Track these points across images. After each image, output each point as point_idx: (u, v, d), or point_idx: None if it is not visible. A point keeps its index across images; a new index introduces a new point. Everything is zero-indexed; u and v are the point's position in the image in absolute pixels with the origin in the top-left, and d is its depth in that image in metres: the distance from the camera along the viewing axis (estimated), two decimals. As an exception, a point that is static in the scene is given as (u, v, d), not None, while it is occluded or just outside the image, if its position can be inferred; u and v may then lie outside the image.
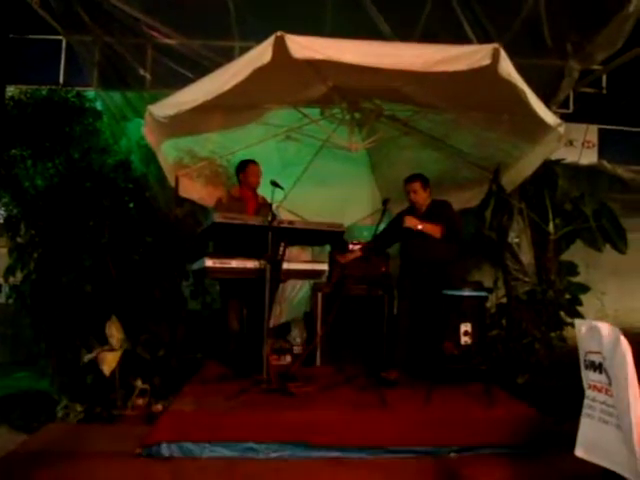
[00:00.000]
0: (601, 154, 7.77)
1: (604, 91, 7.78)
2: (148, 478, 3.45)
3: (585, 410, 2.62)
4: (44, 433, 4.22)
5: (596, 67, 6.17)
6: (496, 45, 3.84)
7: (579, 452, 2.62)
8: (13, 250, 4.89)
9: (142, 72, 5.82)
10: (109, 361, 4.42)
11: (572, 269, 5.84)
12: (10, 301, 4.95)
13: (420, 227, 4.92)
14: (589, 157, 7.14)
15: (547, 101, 5.08)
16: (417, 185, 5.13)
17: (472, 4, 5.34)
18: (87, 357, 4.45)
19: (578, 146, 6.71)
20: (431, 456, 3.80)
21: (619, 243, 5.79)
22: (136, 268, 4.87)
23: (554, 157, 5.54)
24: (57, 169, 5.09)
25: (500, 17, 5.40)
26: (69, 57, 7.13)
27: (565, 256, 5.89)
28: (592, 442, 2.55)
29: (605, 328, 2.50)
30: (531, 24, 5.37)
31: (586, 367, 2.65)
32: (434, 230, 4.91)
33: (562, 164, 5.85)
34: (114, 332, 4.53)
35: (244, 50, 4.21)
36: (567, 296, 5.72)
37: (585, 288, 5.81)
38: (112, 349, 4.49)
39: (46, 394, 4.87)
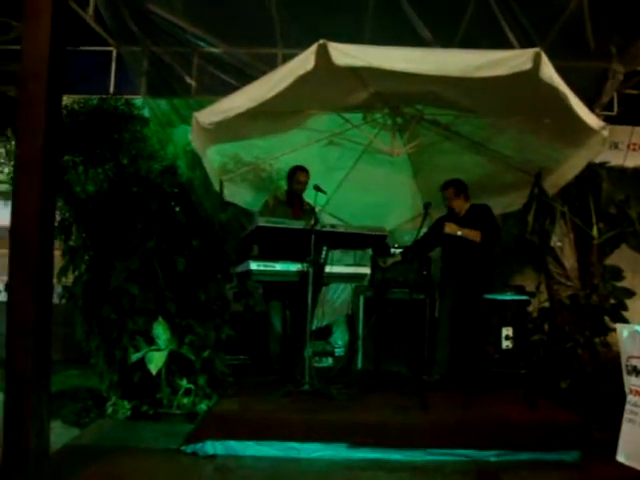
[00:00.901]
0: (647, 156, 7.62)
1: (650, 93, 7.63)
2: (193, 474, 3.54)
3: (627, 415, 2.61)
4: (94, 428, 4.38)
5: (641, 68, 6.07)
6: (537, 49, 3.84)
7: (621, 458, 2.61)
8: (66, 252, 5.06)
9: (188, 80, 5.98)
10: (156, 360, 4.53)
11: (617, 274, 5.75)
12: (63, 301, 5.12)
13: (460, 233, 4.93)
14: (635, 160, 6.98)
15: (590, 104, 5.04)
16: (450, 192, 5.16)
17: (513, 8, 5.31)
18: (135, 356, 4.58)
19: (623, 149, 6.60)
20: (470, 459, 3.80)
21: (665, 247, 5.68)
22: (182, 271, 4.97)
23: (598, 160, 5.48)
24: (107, 175, 5.25)
25: (542, 20, 5.38)
26: (119, 67, 7.35)
27: (610, 260, 5.81)
28: (634, 448, 2.55)
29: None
30: (574, 27, 5.32)
31: (628, 372, 2.64)
32: (474, 235, 4.91)
33: (606, 167, 5.78)
34: (161, 333, 4.64)
35: (287, 57, 4.31)
36: (612, 301, 5.64)
37: (630, 293, 5.71)
38: (159, 349, 4.60)
39: (96, 391, 5.03)
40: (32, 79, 2.92)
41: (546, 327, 5.69)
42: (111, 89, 7.32)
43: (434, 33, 5.39)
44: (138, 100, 5.87)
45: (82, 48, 7.19)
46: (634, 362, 2.57)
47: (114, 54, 7.40)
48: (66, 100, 5.11)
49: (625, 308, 5.62)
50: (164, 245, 4.99)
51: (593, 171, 5.56)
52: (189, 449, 3.84)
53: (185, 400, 4.71)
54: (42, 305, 3.01)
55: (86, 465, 3.52)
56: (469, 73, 3.91)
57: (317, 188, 4.79)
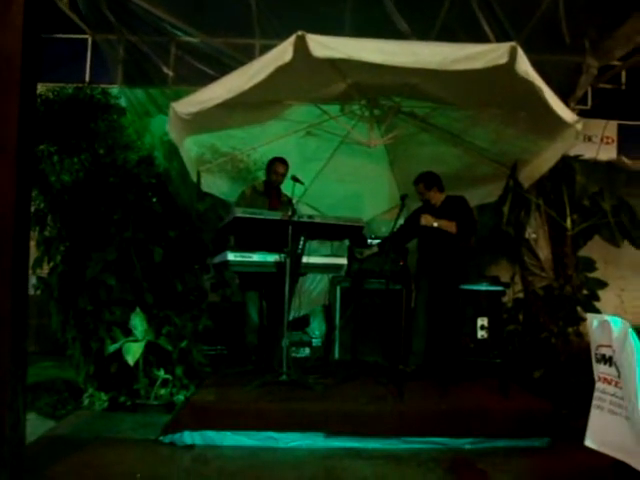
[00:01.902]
0: (620, 150, 7.73)
1: (623, 87, 7.72)
2: (171, 464, 3.55)
3: (595, 402, 2.68)
4: (71, 420, 4.37)
5: (615, 63, 6.16)
6: (513, 43, 3.88)
7: (589, 442, 2.68)
8: (40, 243, 5.01)
9: (165, 70, 5.93)
10: (133, 351, 4.52)
11: (590, 265, 5.84)
12: (38, 292, 5.08)
13: (435, 224, 4.97)
14: (608, 153, 7.11)
15: (565, 98, 5.11)
16: (420, 187, 5.23)
17: (490, 1, 5.36)
18: (112, 347, 4.56)
19: (597, 142, 6.70)
20: (446, 447, 3.86)
21: (638, 239, 5.78)
22: (159, 261, 4.95)
23: (572, 153, 5.55)
24: (82, 164, 5.19)
25: (518, 14, 5.42)
26: (94, 55, 7.26)
27: (583, 252, 5.89)
28: (601, 433, 2.61)
29: (616, 322, 2.56)
30: (549, 21, 5.37)
31: (597, 360, 2.71)
32: (449, 226, 4.95)
33: (580, 160, 5.85)
34: (138, 324, 4.63)
35: (265, 48, 4.31)
36: (585, 292, 5.72)
37: (602, 284, 5.80)
38: (136, 340, 4.59)
39: (72, 383, 5.01)
40: (5, 66, 2.88)
41: (521, 317, 5.76)
42: (87, 78, 7.24)
43: (412, 26, 5.42)
44: (114, 89, 5.82)
45: (57, 35, 7.09)
46: (603, 350, 2.63)
47: (90, 42, 7.31)
48: (40, 88, 5.03)
49: (597, 298, 5.71)
50: (141, 236, 4.97)
51: (567, 164, 5.62)
52: (167, 439, 3.85)
53: (162, 391, 4.72)
54: (18, 297, 2.99)
55: (63, 456, 3.52)
56: (446, 66, 3.95)
57: (295, 179, 4.81)
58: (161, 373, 4.72)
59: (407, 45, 4.38)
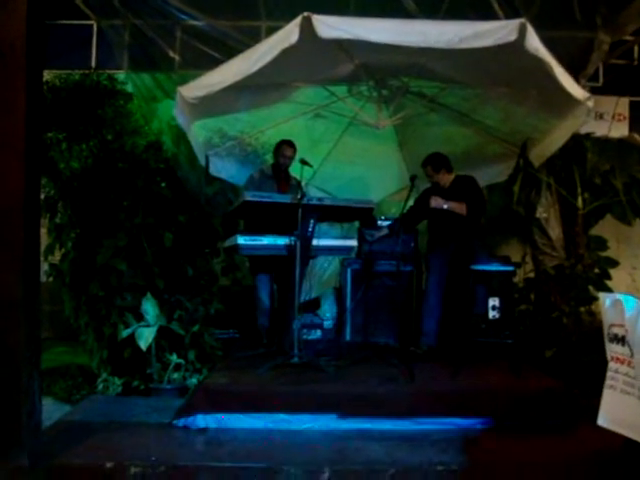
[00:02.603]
0: (632, 127, 7.63)
1: (635, 62, 7.61)
2: (185, 447, 3.58)
3: (608, 381, 2.67)
4: (86, 405, 4.41)
5: (627, 38, 6.06)
6: (522, 20, 3.81)
7: (601, 422, 2.68)
8: (52, 230, 5.05)
9: (171, 54, 5.90)
10: (145, 336, 4.55)
11: (601, 244, 5.79)
12: (50, 279, 5.12)
13: (445, 206, 4.94)
14: (620, 130, 7.00)
15: (576, 74, 5.04)
16: (429, 170, 5.19)
17: (499, -22, 5.28)
18: (125, 333, 4.60)
19: (608, 119, 6.61)
20: (457, 427, 3.87)
21: (650, 218, 5.73)
22: (169, 246, 4.97)
23: (583, 131, 5.48)
24: (91, 151, 5.21)
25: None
26: (100, 41, 7.22)
27: (595, 231, 5.85)
28: (614, 412, 2.61)
29: (629, 301, 2.54)
30: (559, -4, 5.30)
31: (609, 340, 2.69)
32: (459, 208, 4.92)
33: (591, 138, 5.78)
34: (149, 309, 4.66)
35: (271, 30, 4.27)
36: (596, 270, 5.69)
37: (614, 262, 5.76)
38: (148, 325, 4.63)
39: (86, 368, 5.06)
40: (10, 53, 2.87)
41: (532, 297, 5.76)
42: (93, 64, 7.21)
43: (419, 5, 5.35)
44: (121, 75, 5.80)
45: (62, 22, 7.05)
46: (615, 330, 2.61)
47: (95, 28, 7.27)
48: (47, 76, 5.05)
49: (609, 277, 5.69)
50: (151, 221, 4.99)
51: (578, 142, 5.56)
52: (180, 423, 3.87)
53: (175, 375, 4.75)
54: (29, 284, 3.01)
55: (79, 440, 3.55)
56: (454, 45, 3.88)
57: (303, 161, 4.78)
58: (174, 357, 4.75)
59: (415, 24, 4.33)
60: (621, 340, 2.58)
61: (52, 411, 4.12)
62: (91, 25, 7.24)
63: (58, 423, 3.92)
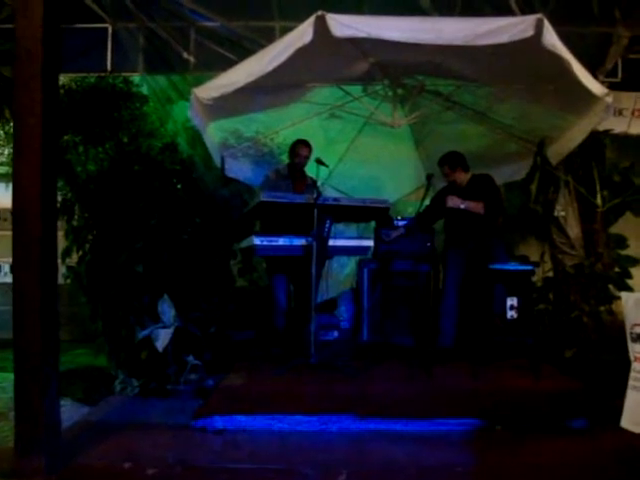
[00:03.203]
0: (652, 123, 7.52)
1: (655, 57, 7.51)
2: (203, 448, 3.57)
3: (631, 382, 2.63)
4: (104, 405, 4.41)
5: (647, 32, 5.96)
6: (539, 16, 3.77)
7: (625, 424, 2.64)
8: (69, 233, 5.07)
9: (186, 55, 5.93)
10: (162, 338, 4.55)
11: (621, 242, 5.72)
12: (67, 281, 5.15)
13: (462, 206, 4.91)
14: (639, 126, 6.90)
15: (594, 70, 4.99)
16: (445, 169, 5.17)
17: (514, -26, 5.22)
18: (141, 334, 4.61)
19: (628, 115, 6.51)
20: (476, 428, 3.83)
21: (670, 214, 5.64)
22: (186, 248, 4.98)
23: (602, 128, 5.40)
24: (107, 153, 5.21)
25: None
26: (115, 44, 7.25)
27: (615, 229, 5.77)
28: (638, 414, 2.56)
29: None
30: (577, -9, 5.23)
31: (632, 340, 2.65)
32: (476, 207, 4.89)
33: (610, 134, 5.70)
34: (166, 310, 4.67)
35: (285, 30, 4.26)
36: (616, 269, 5.62)
37: (635, 261, 5.68)
38: (165, 326, 4.63)
39: (104, 370, 5.08)
40: (26, 58, 2.88)
41: (551, 296, 5.68)
42: (108, 67, 7.24)
43: (434, 2, 5.31)
44: (136, 77, 5.83)
45: (77, 26, 7.09)
46: (638, 330, 2.57)
47: (110, 31, 7.29)
48: (63, 79, 5.06)
49: (630, 276, 5.60)
50: (167, 223, 4.99)
51: (597, 139, 5.49)
52: (198, 424, 3.86)
53: (192, 376, 4.74)
54: (47, 286, 3.02)
55: (98, 440, 3.56)
56: (470, 42, 3.85)
57: (319, 161, 4.77)
58: (190, 358, 4.74)
59: (430, 22, 4.32)
60: (644, 339, 2.54)
61: (71, 412, 4.12)
62: (106, 28, 7.23)
63: (76, 424, 3.93)
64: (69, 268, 5.14)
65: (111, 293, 4.82)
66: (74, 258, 5.14)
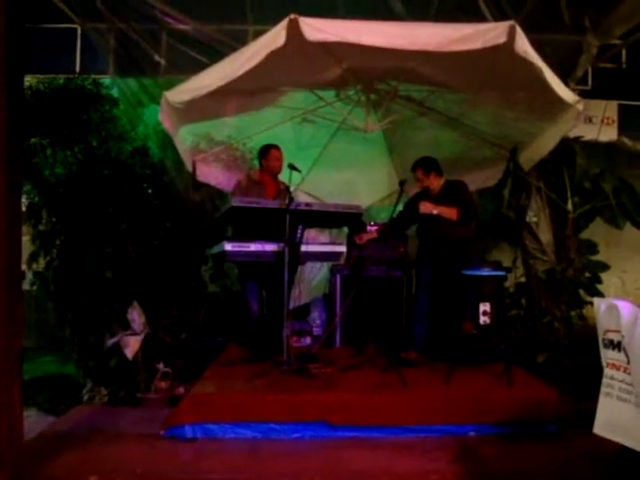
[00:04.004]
0: (621, 130, 7.65)
1: (624, 66, 7.63)
2: (172, 459, 3.51)
3: (604, 388, 2.62)
4: (71, 415, 4.33)
5: (615, 41, 6.05)
6: (512, 22, 3.79)
7: (597, 430, 2.63)
8: (36, 237, 4.97)
9: (157, 58, 5.82)
10: (132, 345, 4.50)
11: (592, 247, 5.78)
12: (34, 288, 5.04)
13: (435, 212, 4.89)
14: (609, 134, 7.01)
15: (565, 78, 5.02)
16: (418, 173, 5.13)
17: (487, -20, 5.24)
18: (110, 342, 4.53)
19: (597, 123, 6.61)
20: (451, 435, 3.82)
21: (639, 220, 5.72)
22: (156, 253, 4.91)
23: (572, 134, 5.45)
24: (76, 157, 5.14)
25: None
26: (84, 45, 7.12)
27: (585, 234, 5.83)
28: (611, 420, 2.56)
29: (624, 306, 2.50)
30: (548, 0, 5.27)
31: (605, 345, 2.64)
32: (450, 213, 4.88)
33: (581, 141, 5.76)
34: (136, 317, 4.60)
35: (258, 34, 4.20)
36: (587, 274, 5.68)
37: (605, 266, 5.75)
38: (134, 333, 4.56)
39: (71, 378, 4.99)
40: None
41: (523, 302, 5.73)
42: (77, 68, 7.12)
43: (408, 8, 5.30)
44: (106, 79, 5.73)
45: (45, 25, 6.95)
46: (611, 336, 2.57)
47: (79, 32, 7.16)
48: (31, 80, 4.99)
49: (600, 281, 5.67)
50: (137, 228, 4.92)
51: (567, 146, 5.54)
52: (168, 433, 3.81)
53: (163, 384, 4.69)
54: (11, 293, 2.93)
55: (64, 452, 3.49)
56: (443, 47, 3.85)
57: (292, 166, 4.73)
58: (161, 366, 4.68)
59: (403, 27, 4.30)
60: (617, 346, 2.53)
61: (36, 422, 4.04)
62: (75, 29, 7.12)
63: (41, 435, 3.84)
64: (36, 274, 5.04)
65: (79, 299, 4.75)
66: (41, 264, 5.04)
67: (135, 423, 4.13)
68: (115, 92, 5.67)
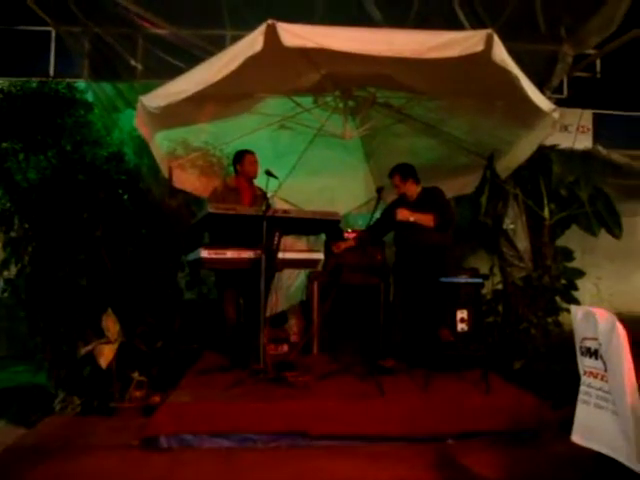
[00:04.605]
0: (596, 139, 7.75)
1: (598, 75, 7.74)
2: (147, 470, 3.45)
3: (581, 396, 2.62)
4: (42, 427, 4.23)
5: (590, 51, 6.14)
6: (489, 31, 3.80)
7: (575, 438, 2.63)
8: (7, 244, 4.87)
9: (133, 62, 5.78)
10: (106, 354, 4.42)
11: (568, 254, 5.85)
12: (5, 295, 4.93)
13: (412, 219, 4.88)
14: (584, 142, 7.11)
15: (541, 86, 5.08)
16: (396, 179, 5.13)
17: (465, -12, 5.30)
18: (84, 350, 4.44)
19: (573, 131, 6.69)
20: (429, 443, 3.81)
21: (614, 228, 5.78)
22: (131, 260, 4.84)
23: (548, 143, 5.51)
24: (49, 162, 5.04)
25: (493, 2, 5.36)
26: (59, 48, 7.00)
27: (561, 241, 5.89)
28: (588, 428, 2.56)
29: (601, 314, 2.50)
30: (525, 9, 5.33)
31: (582, 353, 2.65)
32: (426, 220, 4.87)
33: (557, 150, 5.82)
34: (110, 325, 4.52)
35: (235, 39, 4.17)
36: (563, 281, 5.73)
37: (581, 273, 5.82)
38: (108, 342, 4.48)
39: (43, 388, 4.87)
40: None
41: (500, 309, 5.75)
42: (51, 72, 6.99)
43: (385, 14, 5.33)
44: (81, 83, 5.65)
45: (18, 28, 6.83)
46: (588, 343, 2.57)
47: (53, 35, 7.03)
48: (2, 83, 4.90)
49: (576, 288, 5.72)
50: (112, 234, 4.84)
51: (544, 154, 5.58)
52: (143, 444, 3.75)
53: (137, 393, 4.61)
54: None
55: (34, 465, 3.41)
56: (421, 54, 3.85)
57: (269, 173, 4.69)
58: (135, 375, 4.61)
59: (381, 33, 4.30)
60: (594, 354, 2.54)
61: (5, 434, 3.93)
62: (49, 31, 6.99)
63: (11, 448, 3.75)
64: (7, 281, 4.93)
65: (52, 307, 4.65)
66: (12, 271, 4.93)
67: (109, 434, 4.05)
68: (90, 96, 5.60)
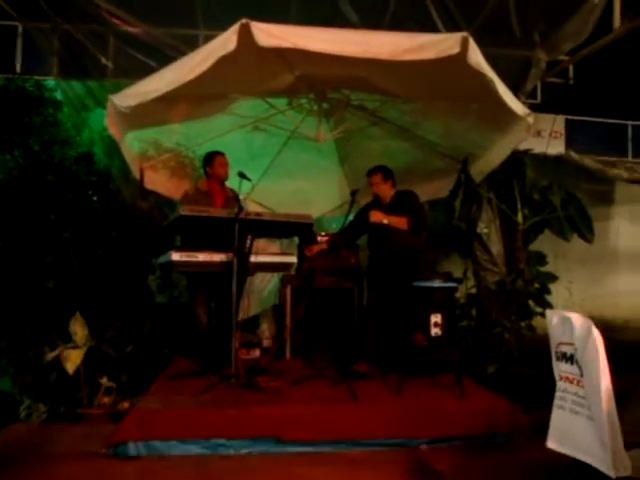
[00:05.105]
0: (568, 144, 7.82)
1: (571, 82, 7.83)
2: (115, 478, 3.37)
3: (556, 401, 2.61)
4: (6, 434, 4.10)
5: (563, 57, 6.19)
6: (465, 34, 3.81)
7: (551, 443, 2.62)
8: (-29, 246, 4.75)
9: (104, 61, 5.67)
10: (73, 359, 4.31)
11: (541, 259, 5.89)
12: (-31, 298, 4.80)
13: (386, 221, 4.87)
14: (557, 147, 7.17)
15: (515, 91, 5.11)
16: (378, 177, 5.10)
17: (441, -5, 5.31)
18: (50, 355, 4.34)
19: (546, 136, 6.74)
20: (402, 448, 3.78)
21: (586, 232, 5.83)
22: (100, 263, 4.74)
23: (522, 147, 5.55)
24: (16, 161, 4.94)
25: (468, 6, 5.38)
26: (26, 44, 6.82)
27: (534, 246, 5.93)
28: (563, 433, 2.55)
29: (577, 319, 2.49)
30: (499, 13, 5.35)
31: (557, 358, 2.64)
32: (400, 223, 4.87)
33: (530, 154, 5.87)
34: (78, 329, 4.42)
35: (209, 38, 4.12)
36: (536, 285, 5.75)
37: (553, 277, 5.85)
38: (76, 346, 4.38)
39: (8, 394, 4.73)
40: None
41: (474, 313, 5.76)
42: (18, 68, 6.81)
43: (361, 16, 5.31)
44: (50, 82, 5.53)
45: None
46: (563, 348, 2.56)
47: (20, 30, 6.85)
48: (-35, 80, 4.77)
49: (549, 292, 5.75)
50: (81, 236, 4.75)
51: (517, 158, 5.62)
52: (110, 451, 3.66)
53: (106, 399, 4.51)
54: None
55: (-3, 475, 3.30)
56: (397, 56, 3.84)
57: (242, 175, 4.63)
58: (104, 380, 4.51)
59: (357, 34, 4.29)
60: (570, 359, 2.53)
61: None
62: (15, 26, 6.80)
63: (-26, 456, 3.63)
64: (-29, 284, 4.80)
65: (18, 311, 4.53)
66: (-23, 273, 4.80)
67: (76, 441, 3.95)
68: (59, 95, 5.49)
